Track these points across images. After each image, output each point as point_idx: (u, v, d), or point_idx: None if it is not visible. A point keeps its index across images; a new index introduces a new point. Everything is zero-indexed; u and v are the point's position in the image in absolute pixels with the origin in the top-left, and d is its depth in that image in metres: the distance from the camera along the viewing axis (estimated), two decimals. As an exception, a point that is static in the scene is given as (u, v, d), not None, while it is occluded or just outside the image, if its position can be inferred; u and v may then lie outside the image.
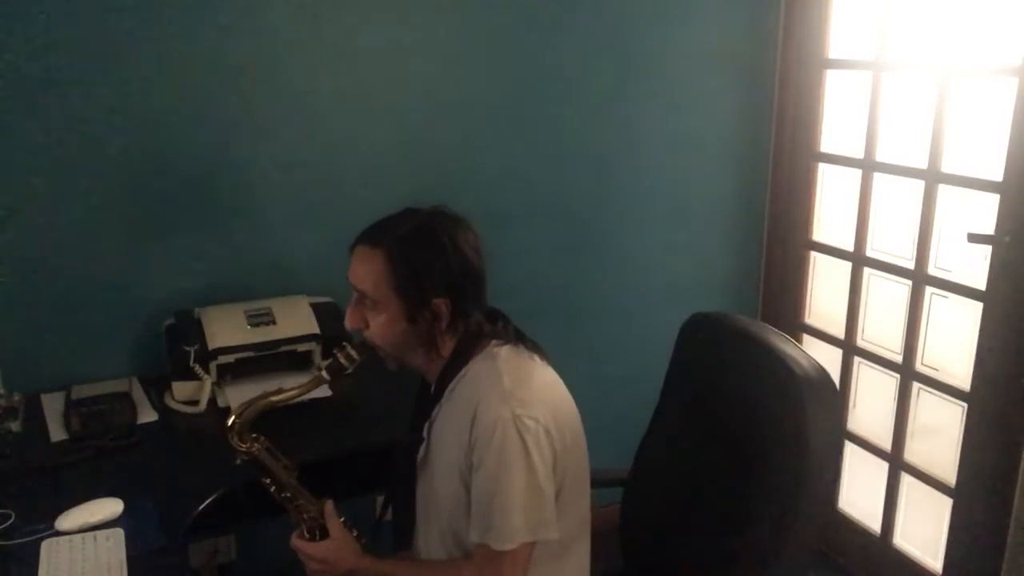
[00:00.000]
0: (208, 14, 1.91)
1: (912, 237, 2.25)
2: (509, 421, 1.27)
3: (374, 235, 1.36)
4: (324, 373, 1.38)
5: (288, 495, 1.41)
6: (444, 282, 1.33)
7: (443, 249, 1.33)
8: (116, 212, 1.93)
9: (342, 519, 1.44)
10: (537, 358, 1.40)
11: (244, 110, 2.00)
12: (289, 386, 1.39)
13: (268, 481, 1.41)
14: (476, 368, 1.37)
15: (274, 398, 1.38)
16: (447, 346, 1.39)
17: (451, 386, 1.38)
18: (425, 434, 1.44)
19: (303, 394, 1.39)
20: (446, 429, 1.39)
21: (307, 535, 1.43)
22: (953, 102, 2.12)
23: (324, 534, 1.42)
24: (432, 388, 1.43)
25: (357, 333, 1.40)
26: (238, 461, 1.38)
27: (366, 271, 1.34)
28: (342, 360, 1.37)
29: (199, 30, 1.91)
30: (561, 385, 1.41)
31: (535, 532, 1.31)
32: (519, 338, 1.41)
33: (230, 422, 1.35)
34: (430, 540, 1.45)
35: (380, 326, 1.36)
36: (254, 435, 1.38)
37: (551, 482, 1.32)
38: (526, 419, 1.28)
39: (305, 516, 1.43)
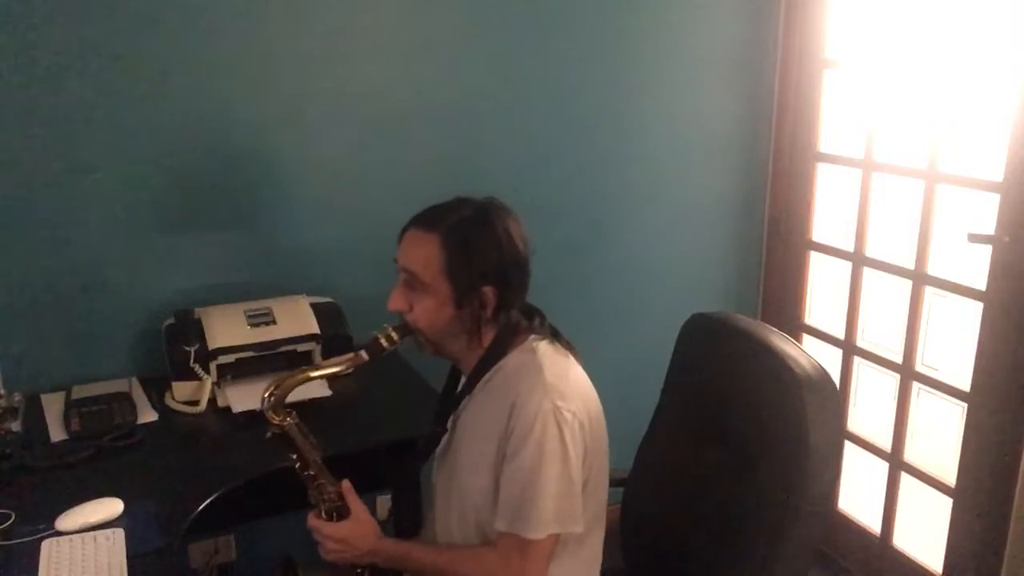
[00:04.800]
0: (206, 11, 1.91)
1: (912, 237, 2.25)
2: (549, 413, 1.29)
3: (428, 219, 1.37)
4: (363, 353, 1.38)
5: (311, 473, 1.42)
6: (494, 270, 1.35)
7: (497, 237, 1.35)
8: (116, 212, 1.93)
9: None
10: (571, 356, 1.43)
11: (246, 112, 2.00)
12: (327, 363, 1.40)
13: (294, 457, 1.41)
14: (514, 361, 1.39)
15: (312, 373, 1.39)
16: (487, 336, 1.40)
17: (486, 377, 1.40)
18: (448, 426, 1.45)
19: (340, 372, 1.40)
20: (477, 420, 1.41)
21: (324, 516, 1.43)
22: (953, 102, 2.11)
23: (340, 517, 1.42)
24: (463, 378, 1.45)
25: (396, 317, 1.41)
26: (268, 435, 1.38)
27: (418, 253, 1.36)
28: (382, 341, 1.38)
29: (207, 31, 1.91)
30: (590, 383, 1.42)
31: (563, 524, 1.32)
32: (555, 336, 1.44)
33: (266, 394, 1.36)
34: (451, 531, 1.46)
35: (425, 310, 1.37)
36: (287, 410, 1.38)
37: (581, 476, 1.34)
38: (565, 412, 1.31)
39: (325, 496, 1.43)
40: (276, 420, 1.37)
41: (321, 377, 1.40)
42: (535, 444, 1.29)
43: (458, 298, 1.35)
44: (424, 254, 1.35)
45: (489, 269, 1.35)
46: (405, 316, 1.39)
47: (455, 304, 1.36)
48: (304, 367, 1.40)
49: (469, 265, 1.34)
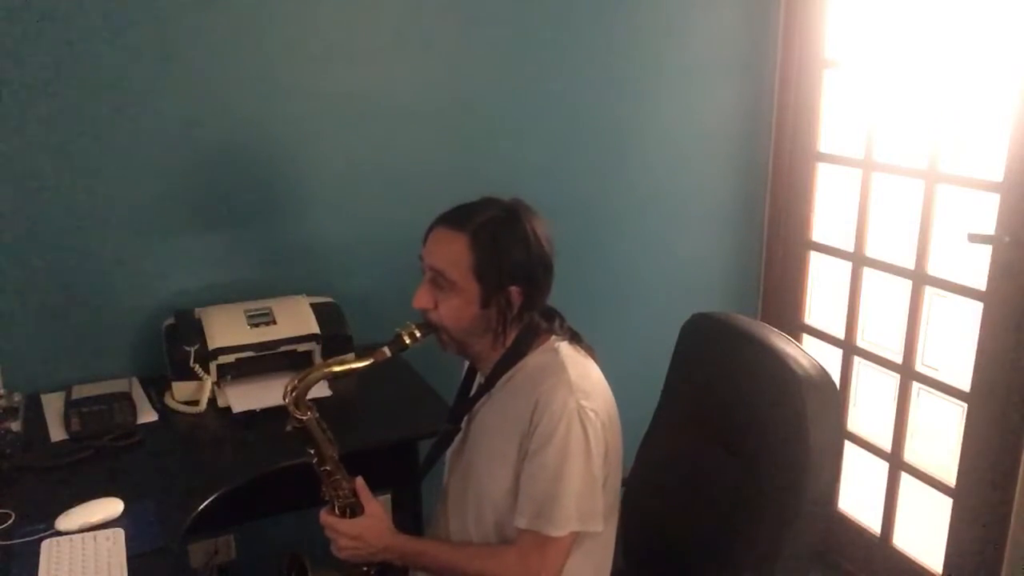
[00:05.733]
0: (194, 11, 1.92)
1: (912, 237, 2.25)
2: (574, 412, 1.31)
3: (457, 218, 1.38)
4: (386, 350, 1.38)
5: (328, 468, 1.41)
6: (522, 270, 1.36)
7: (526, 238, 1.36)
8: (116, 213, 1.93)
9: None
10: (590, 358, 1.44)
11: (247, 113, 2.00)
12: (350, 358, 1.41)
13: (312, 452, 1.41)
14: (536, 361, 1.40)
15: (336, 368, 1.39)
16: (509, 336, 1.41)
17: (506, 376, 1.41)
18: (463, 425, 1.45)
19: (363, 368, 1.39)
20: (497, 418, 1.41)
21: (337, 512, 1.43)
22: (953, 102, 2.11)
23: (354, 514, 1.42)
24: (479, 377, 1.46)
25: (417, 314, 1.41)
26: (288, 428, 1.38)
27: (447, 252, 1.36)
28: (406, 338, 1.38)
29: (208, 31, 1.92)
30: (608, 385, 1.43)
31: (584, 522, 1.34)
32: (574, 337, 1.45)
33: (289, 388, 1.36)
34: (465, 530, 1.47)
35: (451, 308, 1.37)
36: (309, 404, 1.38)
37: (602, 474, 1.35)
38: (589, 411, 1.32)
39: (339, 493, 1.42)
40: (298, 414, 1.37)
41: (345, 373, 1.40)
42: (560, 442, 1.30)
43: (485, 297, 1.36)
44: (453, 253, 1.35)
45: (517, 269, 1.36)
46: (429, 314, 1.39)
47: (481, 303, 1.36)
48: (327, 361, 1.41)
49: (498, 265, 1.34)
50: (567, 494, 1.30)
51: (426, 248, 1.40)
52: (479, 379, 1.49)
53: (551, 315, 1.45)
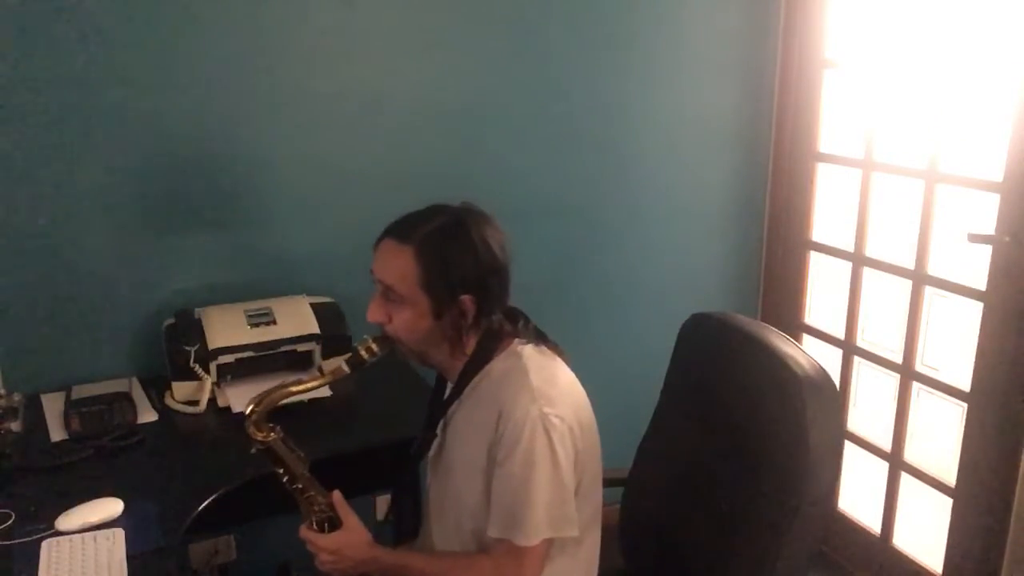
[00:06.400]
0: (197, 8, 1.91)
1: (912, 237, 2.25)
2: (537, 419, 1.28)
3: (403, 230, 1.35)
4: (344, 366, 1.37)
5: (300, 486, 1.41)
6: (472, 279, 1.33)
7: (473, 246, 1.33)
8: (116, 212, 1.93)
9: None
10: (558, 358, 1.41)
11: (246, 111, 2.00)
12: (308, 377, 1.39)
13: (281, 471, 1.40)
14: (500, 366, 1.38)
15: (294, 388, 1.38)
16: (469, 343, 1.39)
17: (472, 383, 1.39)
18: (439, 431, 1.44)
19: (322, 386, 1.39)
20: (466, 426, 1.40)
21: (316, 527, 1.42)
22: (953, 102, 2.11)
23: (333, 527, 1.42)
24: (451, 386, 1.44)
25: (377, 328, 1.39)
26: (253, 450, 1.37)
27: (393, 266, 1.34)
28: (363, 354, 1.37)
29: (205, 33, 1.92)
30: (580, 385, 1.41)
31: (557, 529, 1.32)
32: (540, 338, 1.42)
33: (248, 411, 1.35)
34: (447, 536, 1.46)
35: (405, 321, 1.35)
36: (271, 425, 1.37)
37: (573, 480, 1.33)
38: (553, 417, 1.30)
39: (315, 508, 1.42)
40: (259, 436, 1.35)
41: (302, 392, 1.39)
42: (524, 451, 1.28)
43: (436, 309, 1.33)
44: (399, 267, 1.33)
45: (467, 278, 1.33)
46: (385, 327, 1.38)
47: (434, 315, 1.34)
48: (286, 382, 1.37)
49: (445, 276, 1.32)
50: (536, 503, 1.29)
51: (375, 262, 1.37)
52: (450, 385, 1.47)
53: (514, 316, 1.42)
